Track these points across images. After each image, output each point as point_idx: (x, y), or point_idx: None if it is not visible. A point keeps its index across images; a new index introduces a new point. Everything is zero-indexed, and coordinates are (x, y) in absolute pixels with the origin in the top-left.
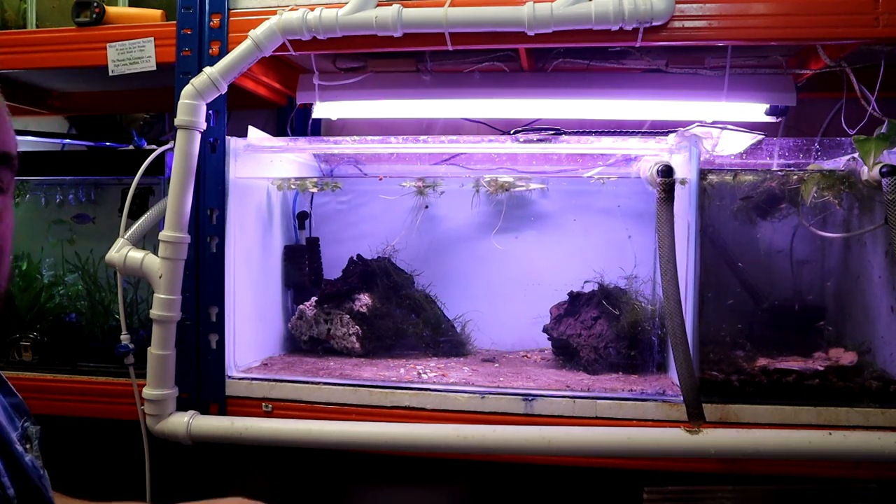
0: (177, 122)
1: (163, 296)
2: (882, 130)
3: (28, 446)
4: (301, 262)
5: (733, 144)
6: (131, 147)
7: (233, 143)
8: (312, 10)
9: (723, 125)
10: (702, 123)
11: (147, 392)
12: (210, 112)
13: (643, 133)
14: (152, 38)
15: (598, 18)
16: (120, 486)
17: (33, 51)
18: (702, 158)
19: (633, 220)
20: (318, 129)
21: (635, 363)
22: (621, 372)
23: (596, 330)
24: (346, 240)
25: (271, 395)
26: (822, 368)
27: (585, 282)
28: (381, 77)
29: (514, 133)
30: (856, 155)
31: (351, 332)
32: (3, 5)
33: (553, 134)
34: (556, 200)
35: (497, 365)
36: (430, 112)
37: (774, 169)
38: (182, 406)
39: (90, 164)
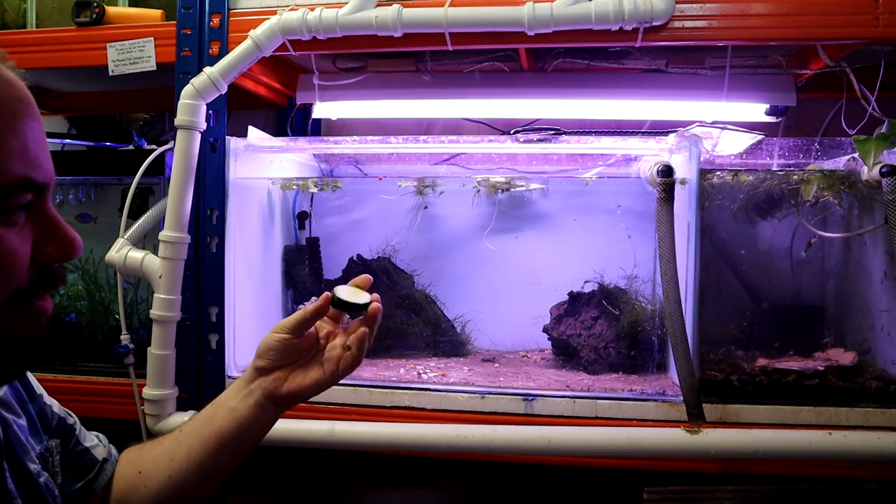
0: (177, 122)
1: (163, 296)
2: (882, 130)
3: (50, 460)
4: (301, 262)
5: (733, 144)
6: (131, 147)
7: (233, 143)
8: (312, 10)
9: (723, 125)
10: (702, 123)
11: (147, 392)
12: (210, 112)
13: (643, 133)
14: (152, 38)
15: (598, 18)
16: None
17: (33, 51)
18: (702, 158)
19: (633, 219)
20: (318, 129)
21: (635, 363)
22: (621, 372)
23: (596, 330)
24: (347, 240)
25: None
26: (821, 368)
27: (585, 282)
28: (381, 77)
29: (514, 133)
30: (856, 155)
31: None
32: (3, 5)
33: (553, 134)
34: (555, 200)
35: (497, 365)
36: (430, 112)
37: (774, 169)
38: (182, 406)
39: (90, 164)
